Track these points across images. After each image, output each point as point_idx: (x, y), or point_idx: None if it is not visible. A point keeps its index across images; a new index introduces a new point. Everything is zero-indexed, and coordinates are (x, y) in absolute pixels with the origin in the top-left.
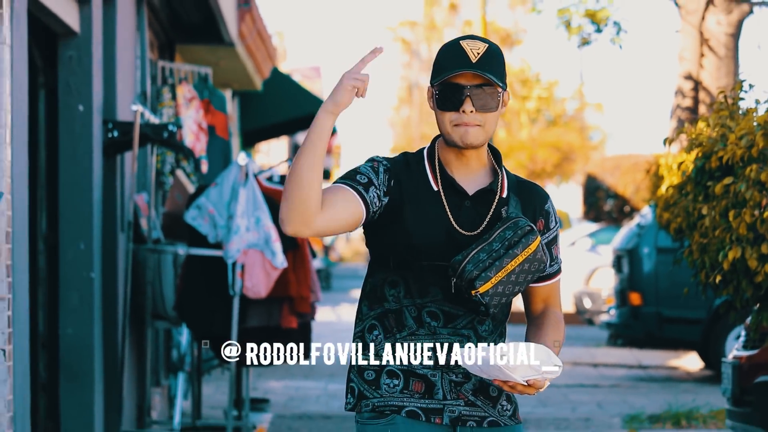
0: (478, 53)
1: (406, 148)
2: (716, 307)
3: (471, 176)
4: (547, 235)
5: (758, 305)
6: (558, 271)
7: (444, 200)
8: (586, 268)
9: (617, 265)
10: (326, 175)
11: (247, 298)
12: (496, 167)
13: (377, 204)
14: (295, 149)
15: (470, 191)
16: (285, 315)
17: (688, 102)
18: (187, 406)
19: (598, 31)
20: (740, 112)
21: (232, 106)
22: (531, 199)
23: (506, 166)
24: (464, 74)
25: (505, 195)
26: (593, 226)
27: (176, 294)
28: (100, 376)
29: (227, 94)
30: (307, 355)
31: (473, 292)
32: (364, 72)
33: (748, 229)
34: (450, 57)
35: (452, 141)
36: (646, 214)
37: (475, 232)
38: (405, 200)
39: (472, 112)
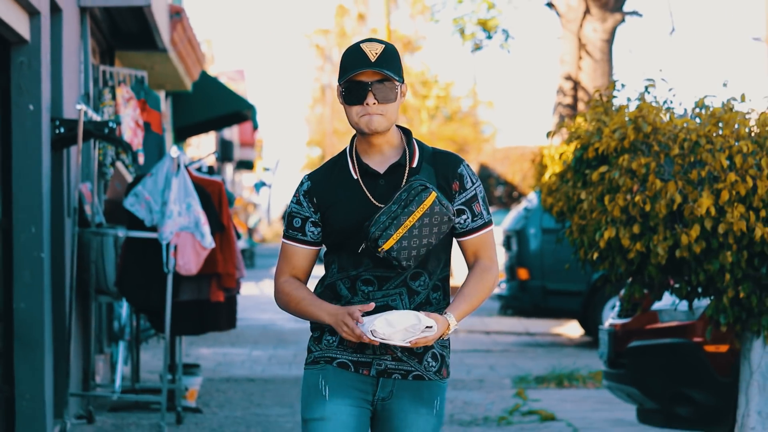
0: (376, 53)
1: (320, 141)
2: (594, 281)
3: (384, 158)
4: (464, 194)
5: (630, 279)
6: (482, 226)
7: (362, 184)
8: None
9: (507, 244)
10: (250, 166)
11: (180, 275)
12: (406, 145)
13: (318, 228)
14: (221, 142)
15: (382, 170)
16: (213, 290)
17: (568, 100)
18: (127, 371)
19: (489, 37)
20: (614, 108)
21: (165, 105)
22: (445, 165)
23: None
24: (365, 72)
25: (415, 165)
26: None
27: (117, 271)
28: (50, 345)
29: (161, 94)
30: (233, 324)
31: (379, 249)
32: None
33: (621, 211)
34: (352, 58)
35: (360, 130)
36: (531, 198)
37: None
38: (332, 202)
39: (374, 103)
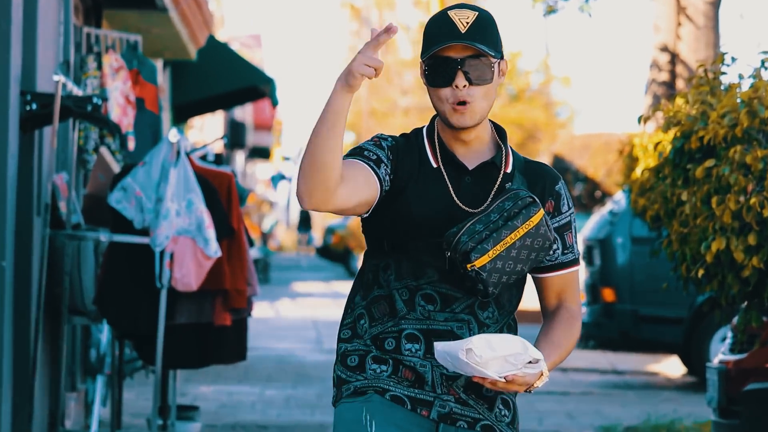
0: (467, 23)
1: (355, 124)
2: (699, 305)
3: (472, 152)
4: (558, 218)
5: (746, 303)
6: (573, 262)
7: (445, 176)
8: None
9: (588, 256)
10: (266, 154)
11: (176, 292)
12: (500, 143)
13: (387, 181)
14: (231, 125)
15: (471, 166)
16: (218, 311)
17: (664, 76)
18: (105, 413)
19: None
20: (722, 87)
21: (163, 77)
22: (539, 179)
23: None
24: (454, 47)
25: (509, 170)
26: None
27: (97, 286)
28: (9, 379)
29: (158, 64)
30: (242, 356)
31: (469, 266)
32: (378, 57)
33: (733, 217)
34: (438, 29)
35: (448, 122)
36: (619, 200)
37: (479, 209)
38: (407, 177)
39: (465, 86)
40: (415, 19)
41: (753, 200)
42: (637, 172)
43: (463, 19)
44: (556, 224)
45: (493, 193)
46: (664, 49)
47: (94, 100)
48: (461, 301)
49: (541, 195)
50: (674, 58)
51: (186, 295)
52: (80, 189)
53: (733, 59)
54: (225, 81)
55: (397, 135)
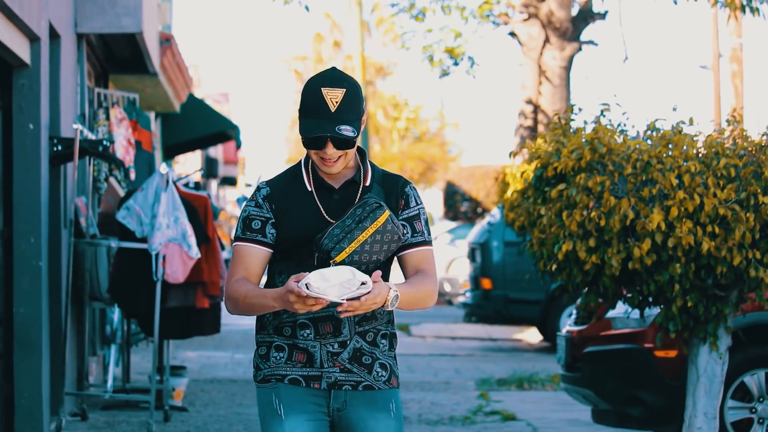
0: (336, 102)
1: (298, 160)
2: (552, 291)
3: (340, 175)
4: (408, 211)
5: (586, 289)
6: (423, 242)
7: (316, 197)
8: (446, 258)
9: (471, 255)
10: (233, 182)
11: (168, 283)
12: (360, 164)
13: (274, 231)
14: (207, 161)
15: (337, 185)
16: (199, 297)
17: (529, 122)
18: (118, 372)
19: (456, 64)
20: (571, 130)
21: (155, 125)
22: (393, 186)
23: None
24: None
25: (368, 184)
26: (452, 224)
27: (110, 279)
28: (47, 347)
29: (151, 115)
30: (217, 329)
31: (331, 261)
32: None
33: (578, 226)
34: (312, 105)
35: (319, 170)
36: (495, 213)
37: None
38: (286, 209)
39: (333, 151)
40: None
41: (593, 214)
42: (508, 193)
43: (333, 99)
44: (407, 215)
45: (355, 204)
46: (529, 102)
47: (104, 142)
48: None
49: (396, 198)
50: (536, 108)
51: (175, 286)
52: (95, 208)
53: (580, 109)
54: (201, 127)
55: (286, 168)
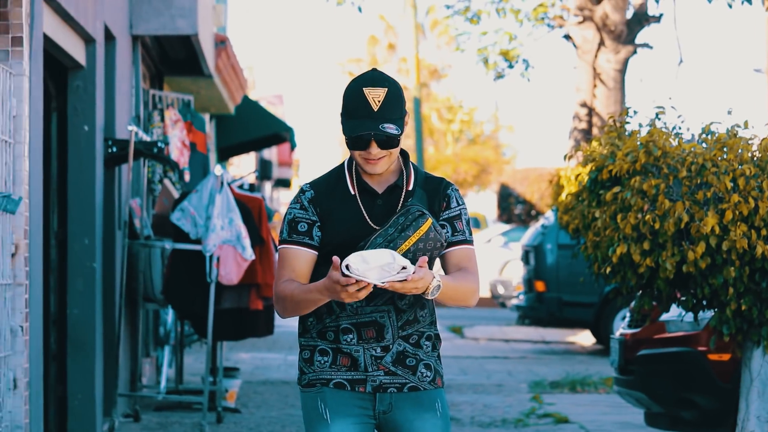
0: (379, 101)
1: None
2: (606, 293)
3: (383, 179)
4: (448, 211)
5: (640, 292)
6: (463, 241)
7: (359, 202)
8: (500, 261)
9: (525, 258)
10: (287, 184)
11: (222, 285)
12: (403, 167)
13: (320, 233)
14: (261, 163)
15: (380, 190)
16: (253, 298)
17: (583, 125)
18: (171, 373)
19: (510, 67)
20: (626, 133)
21: (210, 127)
22: (436, 189)
23: None
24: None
25: (411, 188)
26: (506, 227)
27: (163, 281)
28: (101, 348)
29: (206, 117)
30: (270, 331)
31: None
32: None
33: (633, 229)
34: (354, 105)
35: (363, 170)
36: (549, 216)
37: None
38: (330, 213)
39: (377, 151)
40: (398, 82)
41: (647, 217)
42: (563, 196)
43: (375, 99)
44: (448, 215)
45: (398, 209)
46: (584, 105)
47: (159, 144)
48: (381, 295)
49: (438, 201)
50: (591, 111)
51: (229, 287)
52: (150, 210)
53: (635, 112)
54: (256, 129)
55: (329, 170)
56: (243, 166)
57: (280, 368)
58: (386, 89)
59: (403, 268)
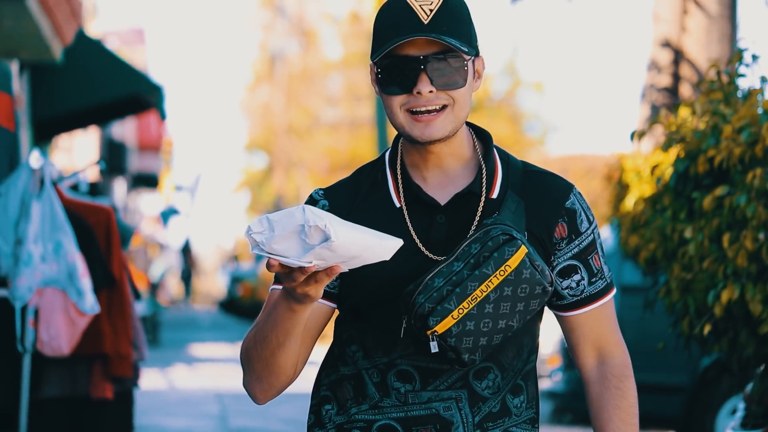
0: (431, 10)
1: (267, 144)
2: (704, 370)
3: (448, 179)
4: (578, 241)
5: (763, 367)
6: (604, 290)
7: (408, 219)
8: None
9: None
10: (154, 182)
11: (44, 357)
12: (482, 159)
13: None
14: (109, 145)
15: (443, 200)
16: (96, 380)
17: (665, 80)
18: None
19: None
20: (739, 94)
21: (19, 85)
22: (543, 195)
23: None
24: (415, 42)
25: (496, 195)
26: None
27: None
28: None
29: (13, 67)
30: None
31: (428, 332)
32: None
33: (750, 259)
34: (393, 20)
35: (409, 137)
36: (606, 237)
37: (445, 258)
38: None
39: (431, 92)
40: (344, 7)
41: None
42: (629, 203)
43: (425, 6)
44: (576, 249)
45: (471, 231)
46: (666, 44)
47: None
48: (449, 373)
49: (545, 219)
50: (679, 56)
51: (56, 361)
52: None
53: (755, 57)
54: (100, 89)
55: (348, 176)
56: (78, 153)
57: None
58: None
59: (326, 240)
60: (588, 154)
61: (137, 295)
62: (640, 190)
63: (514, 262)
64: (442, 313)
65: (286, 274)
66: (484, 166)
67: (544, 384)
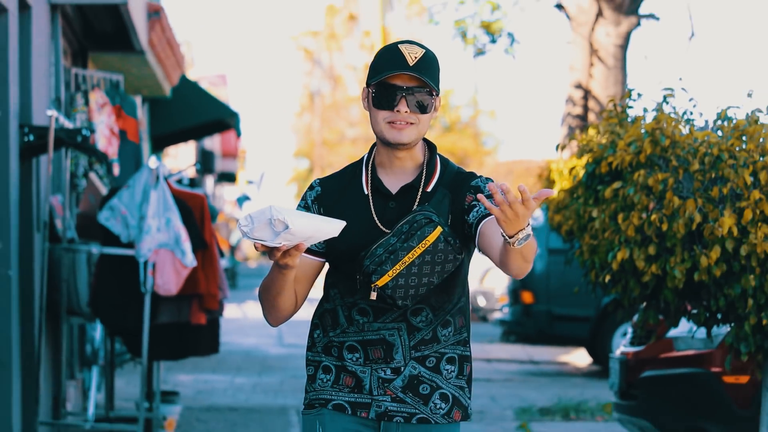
0: (415, 57)
1: (308, 152)
2: (604, 306)
3: (402, 176)
4: (475, 201)
5: (645, 304)
6: (490, 213)
7: (371, 202)
8: (480, 268)
9: None
10: (232, 178)
11: (158, 295)
12: (425, 164)
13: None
14: (202, 153)
15: (394, 190)
16: (194, 311)
17: (578, 110)
18: (100, 398)
19: (493, 41)
20: (629, 119)
21: (142, 112)
22: (461, 186)
23: None
24: (400, 76)
25: (430, 189)
26: None
27: (90, 291)
28: (18, 370)
29: (138, 100)
30: (215, 349)
31: (372, 285)
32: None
33: (636, 231)
34: (387, 59)
35: (384, 139)
36: (537, 216)
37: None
38: (342, 209)
39: (406, 111)
40: (361, 60)
41: (653, 217)
42: (554, 193)
43: (411, 54)
44: (475, 201)
45: (404, 217)
46: (578, 86)
47: (83, 132)
48: (392, 311)
49: (462, 199)
50: (587, 94)
51: (167, 299)
52: (73, 209)
53: (639, 95)
54: (195, 115)
55: (343, 168)
56: (181, 158)
57: (226, 392)
58: (424, 51)
59: (286, 227)
60: (526, 159)
61: (221, 254)
62: (561, 184)
63: (431, 238)
64: (381, 272)
65: (269, 252)
66: (425, 169)
67: (496, 315)
